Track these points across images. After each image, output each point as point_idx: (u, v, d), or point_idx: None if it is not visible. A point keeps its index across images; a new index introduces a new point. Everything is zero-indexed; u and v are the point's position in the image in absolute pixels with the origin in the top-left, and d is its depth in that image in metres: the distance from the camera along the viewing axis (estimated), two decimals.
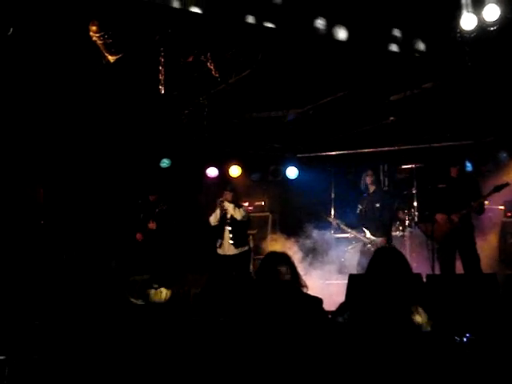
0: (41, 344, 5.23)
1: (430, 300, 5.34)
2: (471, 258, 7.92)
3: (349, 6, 6.83)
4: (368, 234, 9.24)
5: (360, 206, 9.46)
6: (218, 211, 9.83)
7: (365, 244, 9.24)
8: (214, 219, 9.89)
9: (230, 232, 9.81)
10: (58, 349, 5.10)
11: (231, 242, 9.77)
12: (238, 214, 9.71)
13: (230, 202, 9.78)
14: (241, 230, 9.91)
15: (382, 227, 9.22)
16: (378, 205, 9.23)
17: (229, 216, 9.79)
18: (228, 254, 9.78)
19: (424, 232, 8.46)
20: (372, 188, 9.42)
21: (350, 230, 9.77)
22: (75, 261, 9.38)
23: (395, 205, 10.00)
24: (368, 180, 9.42)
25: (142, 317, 6.43)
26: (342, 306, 4.24)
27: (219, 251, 9.85)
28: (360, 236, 9.43)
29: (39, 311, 6.32)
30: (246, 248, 9.97)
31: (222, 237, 9.86)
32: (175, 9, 6.00)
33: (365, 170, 9.62)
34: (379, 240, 8.99)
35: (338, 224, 9.86)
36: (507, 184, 8.24)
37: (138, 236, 9.88)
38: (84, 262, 9.40)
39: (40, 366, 4.79)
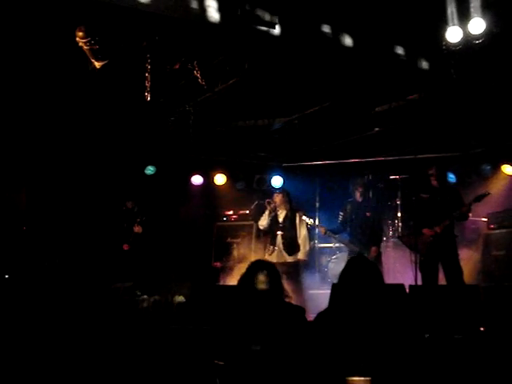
0: (24, 349, 5.19)
1: (412, 311, 5.36)
2: (454, 270, 7.94)
3: (341, 15, 6.87)
4: (356, 244, 9.23)
5: (342, 214, 9.40)
6: (267, 213, 9.40)
7: (352, 252, 9.17)
8: (263, 222, 9.46)
9: (283, 237, 9.29)
10: (40, 355, 5.06)
11: (284, 248, 9.24)
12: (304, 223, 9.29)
13: (280, 205, 9.36)
14: (295, 235, 9.33)
15: (374, 236, 9.20)
16: (368, 214, 9.19)
17: (281, 220, 9.36)
18: (279, 261, 8.89)
19: (407, 245, 8.49)
20: (360, 197, 9.34)
21: (336, 238, 9.75)
22: (57, 267, 9.31)
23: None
24: (358, 192, 9.35)
25: (125, 325, 6.39)
26: (320, 316, 4.23)
27: (269, 258, 8.90)
28: (347, 243, 9.42)
29: (21, 317, 6.27)
30: (299, 256, 9.30)
31: (273, 243, 9.32)
32: (162, 16, 6.00)
33: (351, 180, 9.60)
34: (372, 249, 8.95)
35: (325, 231, 9.74)
36: (487, 194, 8.30)
37: (125, 247, 9.82)
38: (66, 269, 9.34)
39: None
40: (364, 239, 9.16)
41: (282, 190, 9.75)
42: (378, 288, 4.06)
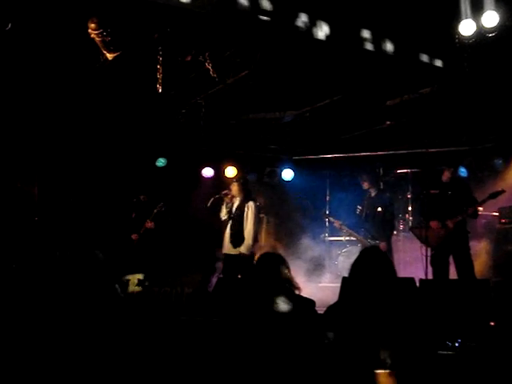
0: (31, 340, 5.20)
1: (422, 304, 5.35)
2: (465, 264, 7.93)
3: (344, 7, 6.84)
4: (369, 238, 9.25)
5: (360, 207, 9.44)
6: (224, 206, 9.07)
7: (364, 246, 9.16)
8: (221, 214, 9.12)
9: (231, 228, 8.93)
10: (49, 345, 5.08)
11: (230, 240, 8.88)
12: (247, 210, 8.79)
13: (236, 194, 9.00)
14: (242, 227, 8.82)
15: (384, 232, 9.21)
16: (379, 209, 9.19)
17: (233, 210, 8.99)
18: (229, 253, 8.90)
19: (418, 237, 8.46)
20: (374, 192, 9.41)
21: (352, 233, 9.72)
22: (68, 258, 9.35)
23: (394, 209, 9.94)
24: (365, 185, 9.41)
25: (134, 316, 6.40)
26: (330, 309, 4.24)
27: (223, 250, 9.05)
28: (361, 238, 9.43)
29: (32, 307, 6.30)
30: (240, 249, 8.78)
31: (224, 234, 9.04)
32: (175, 7, 5.99)
33: (360, 174, 9.63)
34: (381, 245, 8.92)
35: (340, 225, 9.74)
36: (503, 191, 8.26)
37: (134, 236, 9.80)
38: (77, 259, 9.36)
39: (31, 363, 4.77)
40: (374, 234, 9.21)
41: (238, 178, 9.34)
42: (390, 280, 4.05)
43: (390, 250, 9.08)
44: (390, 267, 4.10)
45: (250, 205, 8.88)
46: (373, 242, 9.07)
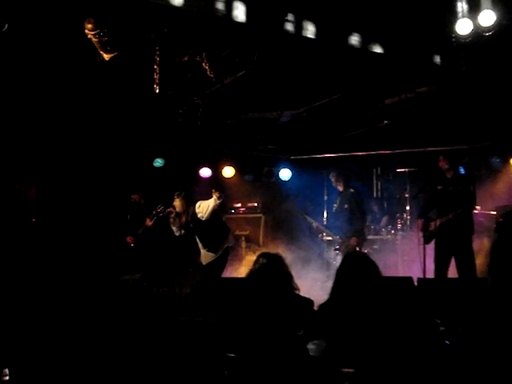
0: (30, 342, 5.21)
1: (420, 304, 5.36)
2: (466, 264, 7.91)
3: (341, 7, 6.85)
4: (340, 236, 9.54)
5: (335, 205, 9.67)
6: (175, 223, 8.68)
7: (339, 244, 9.58)
8: (176, 231, 8.74)
9: (201, 239, 8.62)
10: (47, 348, 5.08)
11: (206, 249, 8.59)
12: (201, 214, 8.37)
13: (181, 209, 8.56)
14: (211, 230, 8.56)
15: (352, 228, 9.34)
16: (346, 206, 9.33)
17: (185, 224, 8.60)
18: (209, 261, 8.60)
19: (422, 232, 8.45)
20: (340, 188, 9.58)
21: (324, 230, 9.90)
22: (66, 259, 9.35)
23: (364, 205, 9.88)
24: (333, 182, 9.64)
25: (133, 316, 6.41)
26: (322, 307, 4.26)
27: (201, 261, 8.72)
28: (333, 237, 9.77)
29: (30, 309, 6.30)
30: (225, 246, 8.61)
31: (197, 246, 8.68)
32: (172, 7, 5.99)
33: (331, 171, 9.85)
34: (351, 240, 9.14)
35: (317, 226, 9.97)
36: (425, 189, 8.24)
37: (129, 239, 9.76)
38: (75, 261, 9.37)
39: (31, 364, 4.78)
40: (345, 230, 9.43)
41: (179, 193, 8.60)
42: (375, 281, 4.09)
43: (360, 244, 9.24)
44: (372, 268, 4.15)
45: (198, 204, 8.45)
46: (345, 239, 9.32)
